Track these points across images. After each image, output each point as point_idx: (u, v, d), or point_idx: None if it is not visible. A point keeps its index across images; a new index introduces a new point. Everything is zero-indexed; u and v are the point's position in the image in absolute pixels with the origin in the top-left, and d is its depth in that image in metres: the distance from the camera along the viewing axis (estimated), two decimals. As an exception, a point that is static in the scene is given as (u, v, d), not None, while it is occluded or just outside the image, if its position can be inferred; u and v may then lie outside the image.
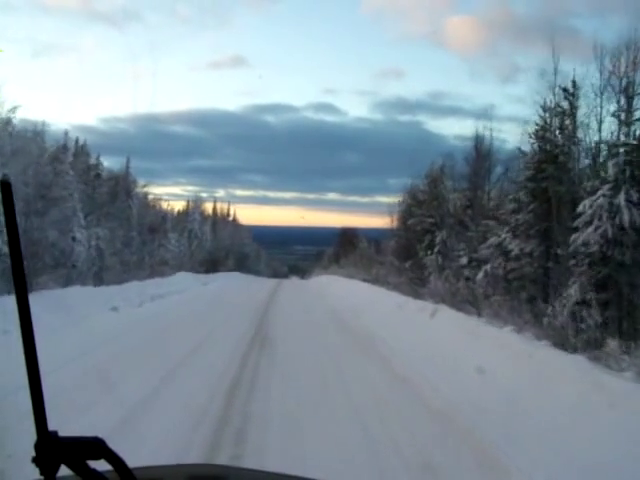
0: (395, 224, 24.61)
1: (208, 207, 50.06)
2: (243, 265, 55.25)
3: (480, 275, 10.21)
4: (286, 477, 1.35)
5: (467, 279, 12.91)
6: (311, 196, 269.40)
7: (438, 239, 15.72)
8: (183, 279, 21.69)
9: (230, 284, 24.65)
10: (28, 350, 0.76)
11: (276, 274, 69.09)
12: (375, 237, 41.10)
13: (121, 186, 28.07)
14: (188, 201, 44.43)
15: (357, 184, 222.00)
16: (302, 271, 78.76)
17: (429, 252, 16.25)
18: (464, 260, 12.80)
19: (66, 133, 23.59)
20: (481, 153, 16.73)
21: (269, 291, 21.80)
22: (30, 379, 0.76)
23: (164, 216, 30.29)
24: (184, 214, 43.82)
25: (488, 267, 10.13)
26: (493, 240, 11.46)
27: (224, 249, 47.20)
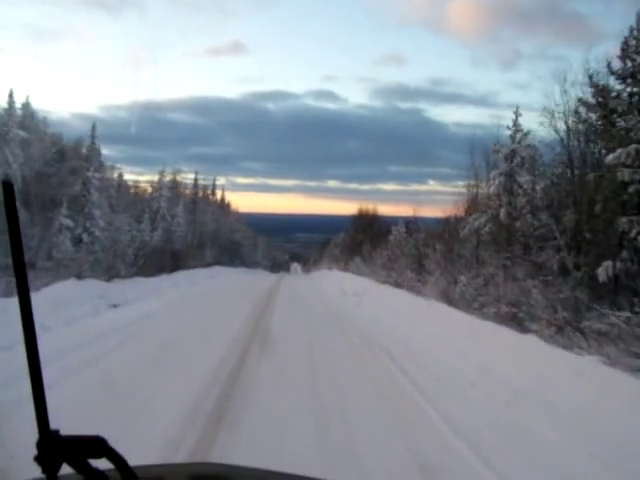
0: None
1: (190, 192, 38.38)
2: (235, 256, 44.96)
3: None
4: (287, 476, 1.33)
5: None
6: (312, 183, 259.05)
7: None
8: (64, 296, 10.00)
9: (175, 306, 12.81)
10: (30, 350, 0.76)
11: (275, 264, 60.38)
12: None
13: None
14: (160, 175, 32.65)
15: (357, 171, 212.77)
16: (304, 260, 71.41)
17: None
18: None
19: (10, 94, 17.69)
20: None
21: (247, 329, 10.06)
22: (32, 378, 0.76)
23: (85, 180, 18.35)
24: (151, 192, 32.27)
25: None
26: None
27: (204, 236, 35.46)
